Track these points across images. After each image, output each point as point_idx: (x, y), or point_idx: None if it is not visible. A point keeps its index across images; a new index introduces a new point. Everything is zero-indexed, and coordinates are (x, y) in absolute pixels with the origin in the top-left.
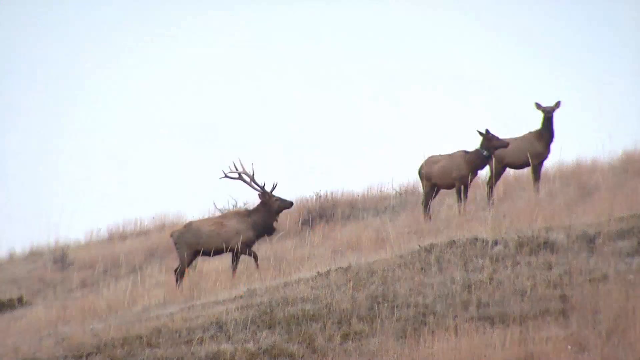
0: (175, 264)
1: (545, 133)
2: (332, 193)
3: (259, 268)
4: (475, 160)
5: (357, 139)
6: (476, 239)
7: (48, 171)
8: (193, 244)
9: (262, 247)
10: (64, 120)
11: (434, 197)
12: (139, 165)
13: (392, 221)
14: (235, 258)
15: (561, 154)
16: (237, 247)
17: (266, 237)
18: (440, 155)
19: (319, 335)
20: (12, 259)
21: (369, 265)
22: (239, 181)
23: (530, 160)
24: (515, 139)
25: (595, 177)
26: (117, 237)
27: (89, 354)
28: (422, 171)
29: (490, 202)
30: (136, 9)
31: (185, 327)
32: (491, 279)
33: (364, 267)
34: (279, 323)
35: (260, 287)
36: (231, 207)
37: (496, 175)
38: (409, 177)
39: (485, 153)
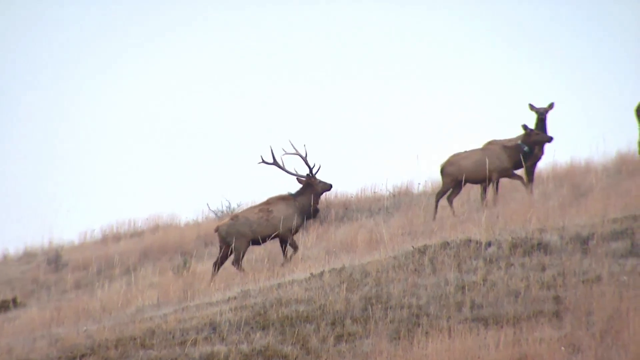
0: (170, 263)
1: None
2: (325, 194)
3: (294, 257)
4: (515, 155)
5: (351, 140)
6: (470, 240)
7: (42, 173)
8: (246, 234)
9: (256, 249)
10: (58, 122)
11: (459, 193)
12: (133, 166)
13: (386, 222)
14: (284, 243)
15: (555, 155)
16: (286, 231)
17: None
18: (465, 151)
19: (312, 336)
20: (6, 260)
21: (362, 266)
22: (274, 167)
23: (523, 163)
24: (510, 141)
25: (589, 178)
26: (111, 238)
27: (82, 355)
28: (448, 169)
29: (484, 203)
30: (129, 6)
31: (179, 328)
32: (485, 280)
33: (358, 269)
34: (273, 324)
35: (254, 288)
36: (225, 208)
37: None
38: (402, 178)
39: (525, 148)
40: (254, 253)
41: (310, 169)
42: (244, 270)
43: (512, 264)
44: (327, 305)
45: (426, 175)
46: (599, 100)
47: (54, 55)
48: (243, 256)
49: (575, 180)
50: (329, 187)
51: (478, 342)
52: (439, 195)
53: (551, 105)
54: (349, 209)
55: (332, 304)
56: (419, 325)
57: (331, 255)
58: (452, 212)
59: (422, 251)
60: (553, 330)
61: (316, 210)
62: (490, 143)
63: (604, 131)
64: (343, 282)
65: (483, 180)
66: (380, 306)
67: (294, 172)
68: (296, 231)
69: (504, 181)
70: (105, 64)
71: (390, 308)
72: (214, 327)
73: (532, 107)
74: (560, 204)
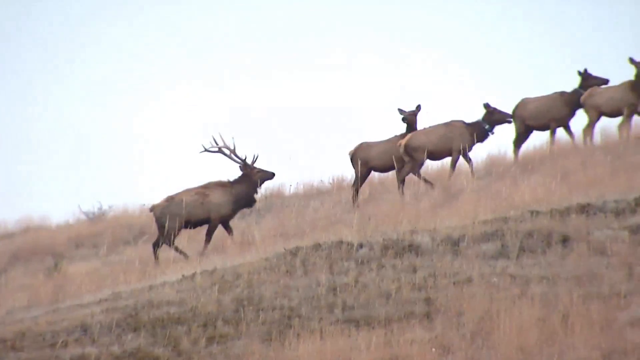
0: (41, 265)
1: None
2: None
3: (233, 241)
4: (476, 132)
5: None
6: (341, 242)
7: None
8: (178, 216)
9: (126, 250)
10: None
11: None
12: (2, 167)
13: (258, 224)
14: (211, 230)
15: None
16: (217, 217)
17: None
18: (429, 127)
19: (184, 338)
20: None
21: (234, 268)
22: (219, 155)
23: (395, 164)
24: (382, 143)
25: (460, 180)
26: None
27: None
28: (415, 144)
29: (356, 204)
30: None
31: (50, 330)
32: (356, 281)
33: (230, 270)
34: (144, 326)
35: (125, 290)
36: (96, 210)
37: (361, 178)
38: (274, 180)
39: (486, 127)
40: (125, 254)
41: (243, 160)
42: (178, 249)
43: (383, 266)
44: (198, 307)
45: (297, 177)
46: (469, 100)
47: None
48: (175, 237)
49: (446, 182)
50: (269, 175)
51: (349, 343)
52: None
53: (418, 108)
54: None
55: (204, 305)
56: (290, 326)
57: (203, 257)
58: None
59: (294, 253)
60: (424, 331)
61: (252, 200)
62: (361, 144)
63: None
64: (215, 284)
65: (445, 156)
66: (252, 308)
67: (239, 161)
68: (228, 219)
69: (374, 183)
70: None
71: (261, 310)
72: (84, 329)
73: (401, 111)
74: (432, 205)
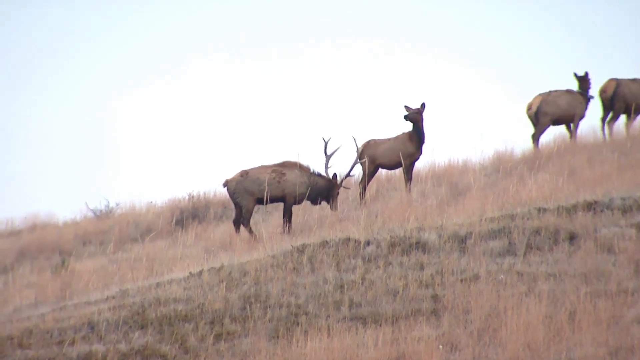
0: (48, 262)
1: (416, 134)
2: (204, 193)
3: (290, 231)
4: (587, 102)
5: (231, 138)
6: (348, 239)
7: None
8: (254, 192)
9: (134, 248)
10: None
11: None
12: (9, 164)
13: (265, 221)
14: (287, 210)
15: (433, 154)
16: (292, 197)
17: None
18: (555, 91)
19: (191, 335)
20: None
21: (241, 265)
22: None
23: (402, 161)
24: (388, 140)
25: (467, 177)
26: None
27: None
28: (543, 109)
29: (363, 202)
30: None
31: (57, 327)
32: (363, 279)
33: (237, 267)
34: (151, 323)
35: (132, 288)
36: (103, 207)
37: (369, 176)
38: None
39: (589, 94)
40: (132, 252)
41: (348, 174)
42: (253, 232)
43: (390, 263)
44: (206, 304)
45: None
46: (476, 100)
47: None
48: (251, 214)
49: (454, 179)
50: (334, 205)
51: (357, 340)
52: (537, 135)
53: (423, 105)
54: (228, 208)
55: (211, 303)
56: (297, 324)
57: (210, 254)
58: (535, 149)
59: (301, 250)
60: (431, 328)
61: (317, 201)
62: (368, 142)
63: (482, 130)
64: (222, 281)
65: (566, 122)
66: (259, 305)
67: (326, 171)
68: (299, 201)
69: (381, 180)
70: None
71: (269, 307)
72: (92, 326)
73: (407, 108)
74: (439, 203)
